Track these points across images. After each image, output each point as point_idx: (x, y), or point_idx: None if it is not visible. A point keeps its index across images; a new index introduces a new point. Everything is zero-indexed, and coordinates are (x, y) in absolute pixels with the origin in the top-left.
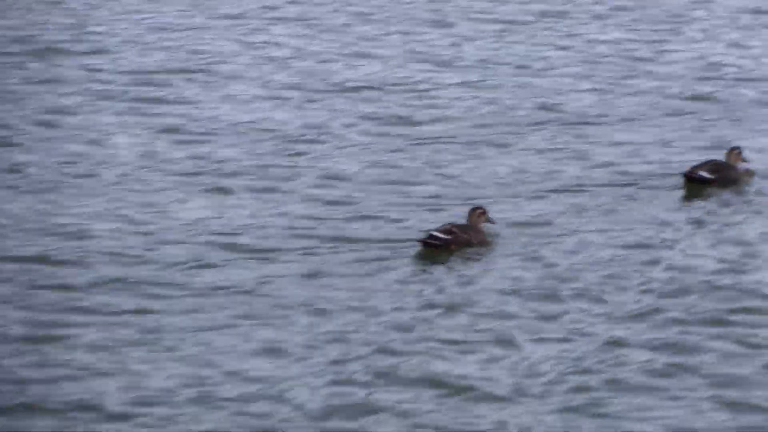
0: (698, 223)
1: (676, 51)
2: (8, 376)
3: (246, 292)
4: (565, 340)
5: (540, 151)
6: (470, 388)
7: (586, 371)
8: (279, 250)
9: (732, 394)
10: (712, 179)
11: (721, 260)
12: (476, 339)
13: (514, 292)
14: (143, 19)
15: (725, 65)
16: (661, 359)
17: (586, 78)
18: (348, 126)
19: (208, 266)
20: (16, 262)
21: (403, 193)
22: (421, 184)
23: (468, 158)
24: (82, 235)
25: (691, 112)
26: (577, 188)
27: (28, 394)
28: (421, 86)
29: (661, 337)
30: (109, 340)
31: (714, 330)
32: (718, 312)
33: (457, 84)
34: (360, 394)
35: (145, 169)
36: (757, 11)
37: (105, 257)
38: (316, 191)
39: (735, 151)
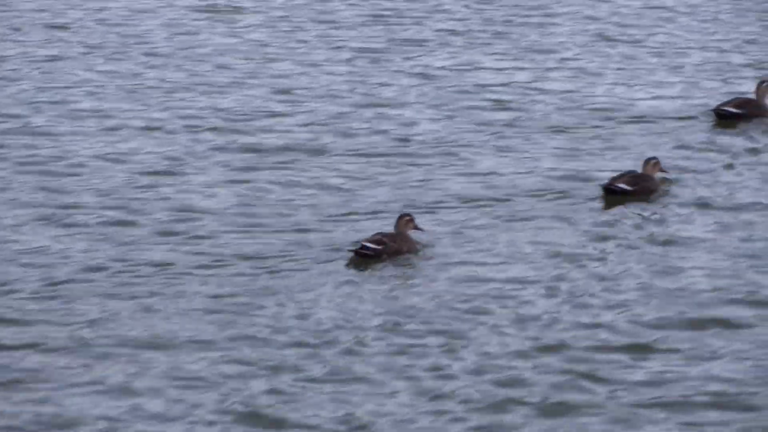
0: (620, 234)
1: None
2: None
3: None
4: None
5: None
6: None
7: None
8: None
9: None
10: (631, 190)
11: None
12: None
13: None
14: None
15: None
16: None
17: (434, 108)
18: (203, 158)
19: (54, 297)
20: None
21: (263, 223)
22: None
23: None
24: None
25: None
26: (490, 201)
27: None
28: (277, 116)
29: (578, 346)
30: None
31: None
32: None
33: (307, 112)
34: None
35: None
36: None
37: None
38: (168, 226)
39: (652, 162)
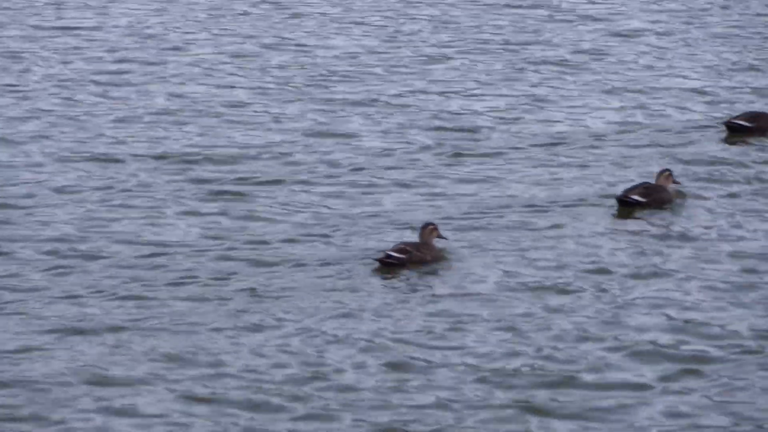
0: (633, 246)
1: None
2: None
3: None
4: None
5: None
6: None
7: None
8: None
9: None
10: (645, 202)
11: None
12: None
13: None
14: None
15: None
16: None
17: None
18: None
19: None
20: None
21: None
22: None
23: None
24: None
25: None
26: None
27: None
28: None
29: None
30: None
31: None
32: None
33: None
34: None
35: None
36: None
37: None
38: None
39: (665, 173)
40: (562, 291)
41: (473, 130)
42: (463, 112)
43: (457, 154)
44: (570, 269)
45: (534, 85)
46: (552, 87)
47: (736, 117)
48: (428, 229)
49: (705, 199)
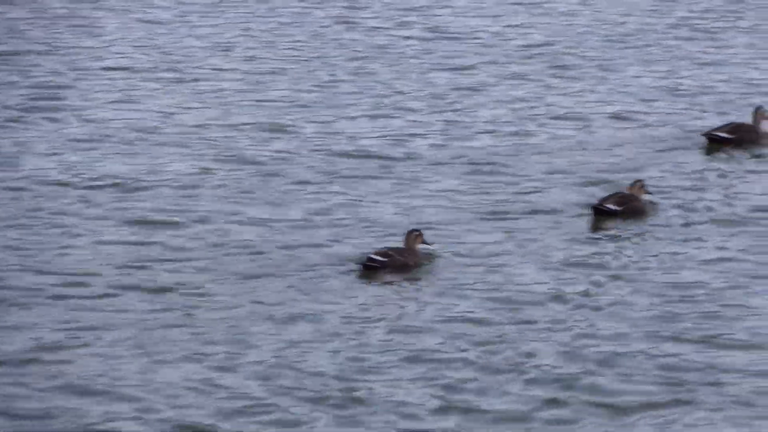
0: (609, 253)
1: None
2: None
3: None
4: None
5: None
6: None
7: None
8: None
9: None
10: (620, 210)
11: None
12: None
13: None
14: None
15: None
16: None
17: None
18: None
19: None
20: None
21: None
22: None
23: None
24: None
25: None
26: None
27: None
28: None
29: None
30: None
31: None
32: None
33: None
34: None
35: None
36: None
37: None
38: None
39: (638, 183)
40: (539, 303)
41: (462, 138)
42: (458, 120)
43: (440, 163)
44: (547, 282)
45: (522, 98)
46: (538, 97)
47: (717, 129)
48: (413, 236)
49: (679, 208)
